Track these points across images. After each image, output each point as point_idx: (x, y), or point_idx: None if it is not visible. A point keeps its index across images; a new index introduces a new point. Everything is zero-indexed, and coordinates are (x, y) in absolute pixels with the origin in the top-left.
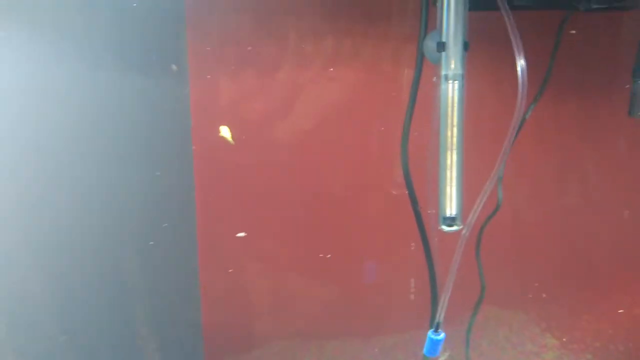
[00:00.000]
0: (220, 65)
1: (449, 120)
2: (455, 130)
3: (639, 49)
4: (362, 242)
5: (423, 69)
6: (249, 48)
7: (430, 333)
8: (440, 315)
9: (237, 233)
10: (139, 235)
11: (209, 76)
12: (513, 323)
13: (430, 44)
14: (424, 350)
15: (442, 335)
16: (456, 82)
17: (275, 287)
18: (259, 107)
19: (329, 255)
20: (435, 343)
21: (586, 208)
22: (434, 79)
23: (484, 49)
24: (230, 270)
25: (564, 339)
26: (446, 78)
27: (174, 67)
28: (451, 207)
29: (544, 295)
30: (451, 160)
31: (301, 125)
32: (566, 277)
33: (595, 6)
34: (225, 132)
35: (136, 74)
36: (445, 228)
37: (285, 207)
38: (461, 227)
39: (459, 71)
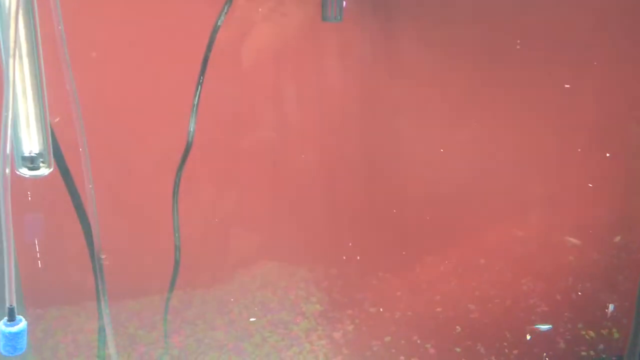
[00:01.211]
0: None
1: (8, 5)
2: (21, 21)
3: None
4: None
5: None
6: None
7: (2, 324)
8: (12, 297)
9: None
10: None
11: None
12: (279, 286)
13: None
14: (1, 349)
15: (21, 325)
16: None
17: None
18: None
19: None
20: (13, 337)
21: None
22: None
23: None
24: None
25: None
26: None
27: None
28: (32, 142)
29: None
30: (20, 70)
31: None
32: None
33: None
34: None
35: None
36: (25, 172)
37: None
38: (51, 169)
39: None
